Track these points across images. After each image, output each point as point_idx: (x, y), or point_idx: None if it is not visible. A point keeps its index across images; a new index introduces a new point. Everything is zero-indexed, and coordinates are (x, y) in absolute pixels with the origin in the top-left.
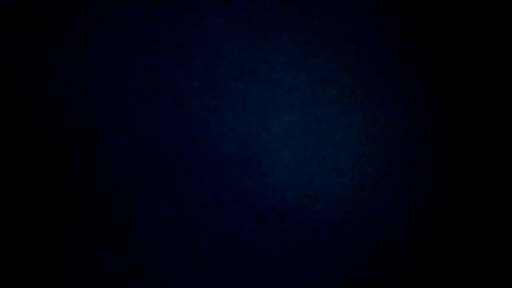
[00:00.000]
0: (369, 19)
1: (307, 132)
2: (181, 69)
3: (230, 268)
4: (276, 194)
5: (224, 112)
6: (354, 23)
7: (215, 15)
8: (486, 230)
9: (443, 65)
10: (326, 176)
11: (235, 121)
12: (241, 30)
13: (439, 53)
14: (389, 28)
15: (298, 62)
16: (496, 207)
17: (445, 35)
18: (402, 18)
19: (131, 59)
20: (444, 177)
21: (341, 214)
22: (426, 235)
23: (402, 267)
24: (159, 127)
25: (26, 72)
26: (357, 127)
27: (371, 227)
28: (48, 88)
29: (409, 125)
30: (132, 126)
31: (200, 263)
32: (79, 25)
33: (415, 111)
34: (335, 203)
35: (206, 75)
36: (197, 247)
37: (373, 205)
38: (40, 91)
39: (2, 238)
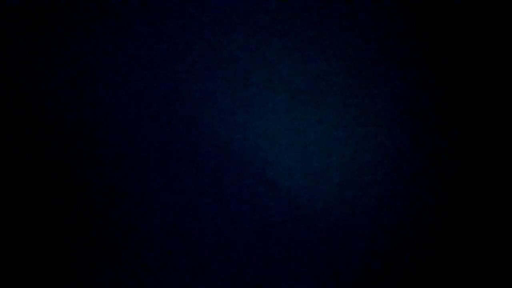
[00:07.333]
0: (369, 18)
1: (307, 133)
2: (180, 70)
3: (230, 269)
4: (276, 195)
5: (224, 113)
6: (354, 23)
7: (215, 16)
8: (486, 230)
9: (443, 65)
10: (326, 176)
11: (235, 123)
12: (242, 31)
13: (439, 53)
14: (389, 28)
15: (299, 63)
16: (496, 207)
17: (445, 35)
18: (401, 18)
19: (131, 60)
20: (444, 177)
21: (341, 215)
22: (426, 235)
23: (402, 267)
24: (159, 128)
25: (26, 72)
26: (358, 128)
27: (371, 227)
28: (48, 88)
29: (409, 125)
30: (132, 127)
31: (201, 265)
32: (80, 24)
33: (415, 111)
34: (336, 204)
35: (206, 76)
36: (197, 248)
37: (373, 205)
38: (40, 91)
39: (2, 238)
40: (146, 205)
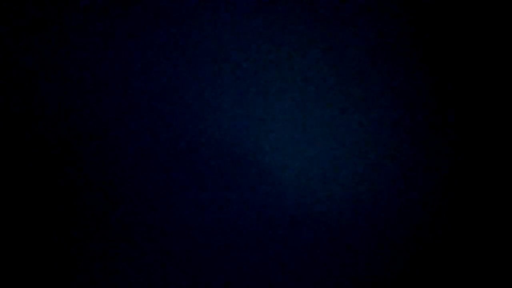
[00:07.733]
0: (369, 18)
1: (311, 133)
2: (183, 71)
3: (233, 269)
4: (279, 196)
5: (227, 114)
6: (354, 24)
7: (216, 16)
8: (486, 230)
9: (442, 66)
10: (327, 176)
11: (238, 124)
12: (242, 31)
13: (439, 54)
14: (388, 29)
15: (302, 65)
16: (496, 207)
17: (444, 36)
18: (401, 18)
19: (131, 59)
20: (444, 177)
21: (343, 214)
22: (427, 235)
23: (405, 267)
24: (162, 129)
25: (26, 72)
26: (361, 128)
27: (372, 228)
28: (48, 88)
29: (410, 125)
30: (133, 127)
31: (204, 266)
32: (82, 24)
33: (416, 112)
34: (337, 205)
35: (208, 77)
36: (201, 249)
37: (377, 206)
38: (40, 91)
39: (2, 238)
40: (148, 206)
